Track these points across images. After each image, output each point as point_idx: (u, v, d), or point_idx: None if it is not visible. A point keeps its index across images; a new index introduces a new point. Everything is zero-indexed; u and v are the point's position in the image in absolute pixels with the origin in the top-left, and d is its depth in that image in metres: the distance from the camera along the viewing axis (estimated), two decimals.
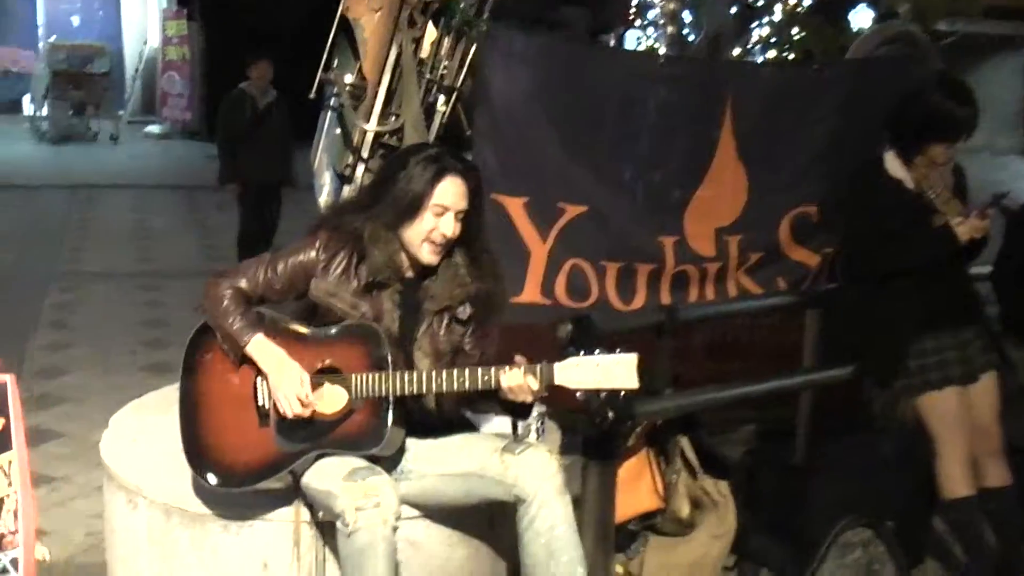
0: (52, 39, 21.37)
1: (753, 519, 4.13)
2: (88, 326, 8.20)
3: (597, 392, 3.06)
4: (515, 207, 4.32)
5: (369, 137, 4.13)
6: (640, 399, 3.48)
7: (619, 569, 3.99)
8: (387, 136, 4.13)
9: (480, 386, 3.12)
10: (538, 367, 3.08)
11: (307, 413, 3.19)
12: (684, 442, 3.98)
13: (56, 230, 11.96)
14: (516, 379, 3.07)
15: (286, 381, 3.19)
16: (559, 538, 3.14)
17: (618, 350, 3.03)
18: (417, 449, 3.37)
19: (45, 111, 20.24)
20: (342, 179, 4.27)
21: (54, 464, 5.47)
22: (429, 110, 4.25)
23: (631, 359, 3.00)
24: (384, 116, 4.10)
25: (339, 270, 3.28)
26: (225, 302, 3.26)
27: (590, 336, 3.59)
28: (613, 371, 3.01)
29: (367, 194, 3.41)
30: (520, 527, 3.19)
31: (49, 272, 9.91)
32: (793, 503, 4.13)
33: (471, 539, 3.51)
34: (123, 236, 11.92)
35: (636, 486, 3.95)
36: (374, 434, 3.16)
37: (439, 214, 3.22)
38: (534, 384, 3.07)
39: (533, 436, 3.87)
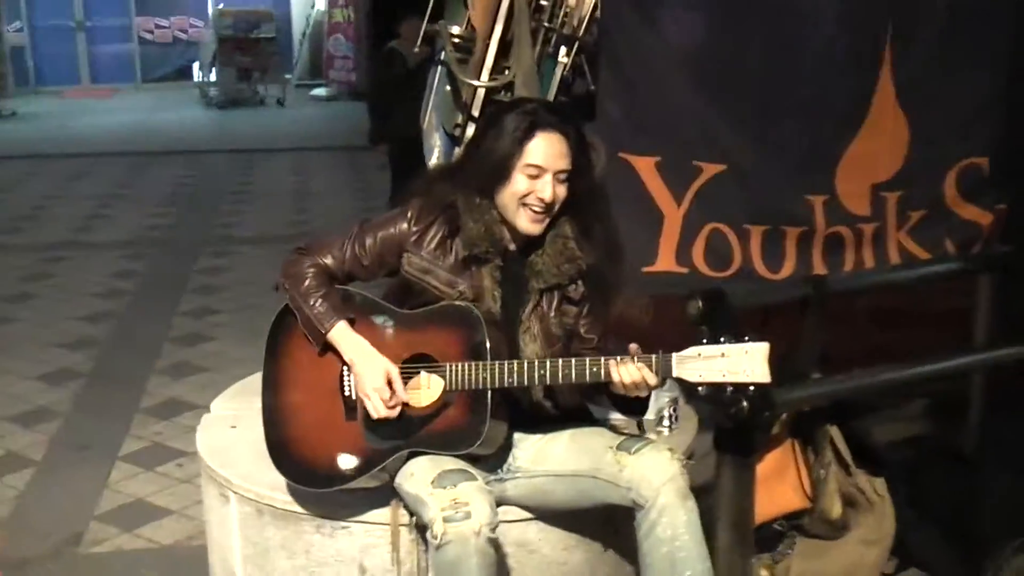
0: (220, 6, 21.64)
1: (917, 519, 3.64)
2: (235, 292, 8.09)
3: (723, 387, 2.64)
4: (646, 167, 3.88)
5: (480, 94, 3.76)
6: (782, 386, 3.04)
7: (763, 573, 3.57)
8: (500, 92, 3.74)
9: (588, 378, 2.74)
10: (653, 358, 2.68)
11: (394, 414, 2.87)
12: (835, 432, 3.51)
13: (214, 194, 12.03)
14: (629, 373, 2.68)
15: (371, 376, 2.86)
16: (683, 548, 2.76)
17: (747, 338, 2.61)
18: (525, 445, 3.02)
19: (213, 77, 20.64)
20: (453, 140, 3.92)
21: (184, 438, 5.29)
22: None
23: (761, 349, 2.58)
24: (496, 70, 3.71)
25: (433, 244, 2.93)
26: (307, 281, 2.95)
27: (724, 313, 3.16)
28: (741, 362, 2.59)
29: (460, 158, 3.08)
30: (639, 535, 2.82)
31: (203, 236, 9.95)
32: (964, 500, 3.62)
33: (590, 541, 3.15)
34: (280, 199, 11.86)
35: (779, 482, 3.51)
36: (470, 431, 2.82)
37: (534, 176, 2.84)
38: (650, 378, 2.67)
39: (665, 425, 3.47)
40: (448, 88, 3.93)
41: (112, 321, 7.41)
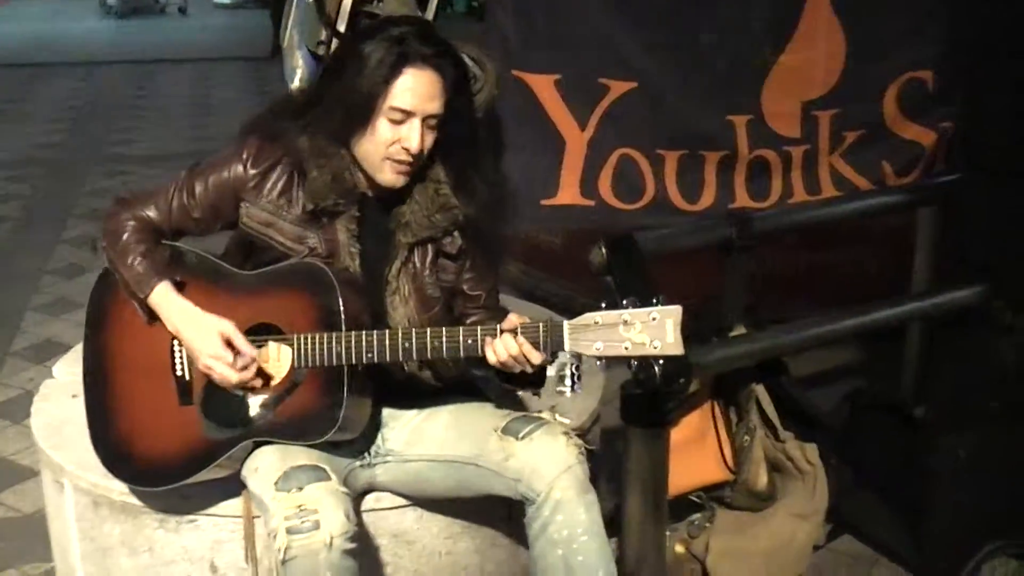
0: None
1: (853, 482, 3.26)
2: None
3: (626, 360, 2.20)
4: (544, 86, 3.48)
5: (346, 5, 3.23)
6: (701, 345, 2.62)
7: (678, 548, 3.18)
8: (373, 3, 3.22)
9: (462, 352, 2.27)
10: (540, 327, 2.22)
11: (249, 376, 2.37)
12: (761, 392, 3.11)
13: (108, 109, 11.31)
14: (507, 348, 2.22)
15: (204, 342, 2.37)
16: (581, 551, 2.33)
17: (655, 300, 2.15)
18: (397, 424, 2.58)
19: None
20: (317, 59, 3.40)
21: None
22: None
23: (672, 314, 2.14)
24: None
25: (276, 191, 2.44)
26: (125, 236, 2.45)
27: (632, 263, 2.71)
28: (647, 331, 2.14)
29: (312, 91, 2.52)
30: (530, 533, 2.39)
31: (93, 155, 9.29)
32: (903, 460, 3.23)
33: (477, 528, 2.72)
34: (178, 114, 11.17)
35: (697, 451, 3.13)
36: (323, 417, 2.34)
37: (399, 121, 2.34)
38: (533, 355, 2.22)
39: (567, 386, 3.03)
40: (310, 0, 3.38)
41: None
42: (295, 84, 3.60)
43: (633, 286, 2.50)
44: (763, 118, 3.64)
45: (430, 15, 3.28)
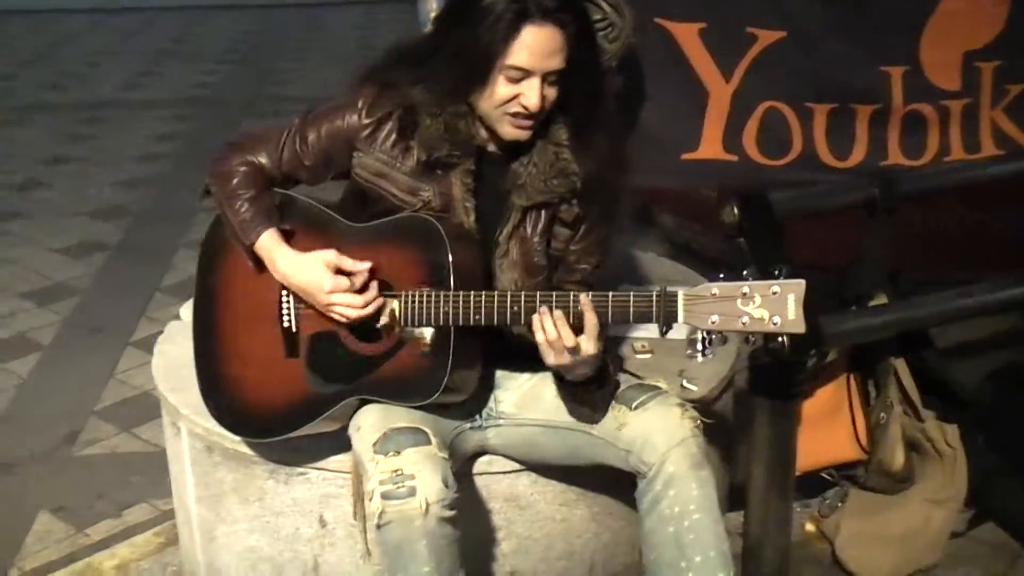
0: None
1: (998, 466, 3.04)
2: None
3: (745, 336, 2.06)
4: (687, 35, 3.27)
5: None
6: (837, 314, 2.45)
7: (809, 526, 3.03)
8: None
9: (571, 319, 2.15)
10: (653, 296, 2.09)
11: (375, 305, 2.29)
12: (901, 366, 2.91)
13: (272, 50, 11.55)
14: (546, 327, 2.15)
15: (316, 280, 2.30)
16: (692, 529, 2.23)
17: (777, 272, 2.01)
18: (510, 386, 2.50)
19: None
20: None
21: None
22: None
23: (795, 289, 1.99)
24: None
25: (390, 141, 2.36)
26: (234, 181, 2.40)
27: (766, 223, 2.56)
28: (768, 305, 2.00)
29: (428, 40, 2.40)
30: (641, 507, 2.30)
31: (252, 95, 9.46)
32: None
33: (594, 495, 2.65)
34: (342, 57, 11.18)
35: (830, 426, 2.95)
36: (428, 379, 2.27)
37: (517, 79, 2.21)
38: (584, 343, 2.13)
39: (698, 350, 2.90)
40: None
41: (147, 188, 7.00)
42: (429, 28, 3.45)
43: (764, 249, 2.34)
44: (920, 69, 3.36)
45: None
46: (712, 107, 3.35)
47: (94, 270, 5.66)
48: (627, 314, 2.12)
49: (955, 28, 3.33)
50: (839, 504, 3.05)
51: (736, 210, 2.60)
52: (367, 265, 2.29)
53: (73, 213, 6.52)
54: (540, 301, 2.15)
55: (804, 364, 2.53)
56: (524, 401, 2.45)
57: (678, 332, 2.90)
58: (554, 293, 2.17)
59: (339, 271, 2.30)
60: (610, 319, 2.15)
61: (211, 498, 2.77)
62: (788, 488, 2.72)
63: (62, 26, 12.96)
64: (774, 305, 1.99)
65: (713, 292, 2.03)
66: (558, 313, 2.12)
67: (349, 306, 2.29)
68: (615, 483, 2.56)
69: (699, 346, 2.91)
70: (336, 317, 2.32)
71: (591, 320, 2.11)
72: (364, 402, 2.36)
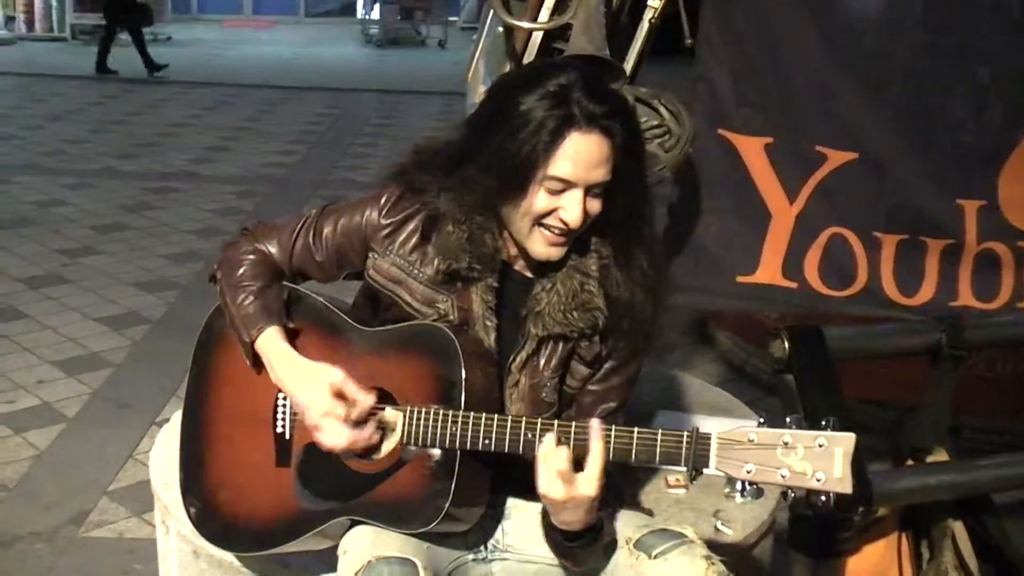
0: None
1: None
2: None
3: (783, 490, 1.82)
4: (753, 150, 3.13)
5: (536, 39, 2.90)
6: (890, 471, 2.20)
7: None
8: (566, 39, 2.89)
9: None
10: (684, 438, 1.86)
11: (365, 437, 2.09)
12: (958, 529, 2.64)
13: (348, 134, 11.50)
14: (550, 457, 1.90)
15: (313, 396, 2.10)
16: None
17: (824, 423, 1.77)
18: (520, 517, 2.26)
19: (376, 14, 20.24)
20: None
21: None
22: (637, 6, 2.97)
23: (844, 443, 1.76)
24: (560, 10, 2.84)
25: (410, 245, 2.17)
26: (240, 270, 2.23)
27: (819, 361, 2.32)
28: (812, 459, 1.77)
29: (462, 143, 2.15)
30: None
31: (322, 178, 9.42)
32: None
33: None
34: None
35: None
36: (427, 505, 2.04)
37: (557, 191, 2.01)
38: (572, 486, 1.91)
39: (738, 489, 2.64)
40: (500, 29, 3.08)
41: (199, 263, 6.89)
42: None
43: (815, 390, 2.10)
44: (997, 206, 3.17)
45: (630, 64, 2.90)
46: (774, 229, 3.18)
47: (131, 343, 5.56)
48: (653, 454, 1.90)
49: None
50: None
51: (787, 344, 2.36)
52: (371, 401, 2.09)
53: (121, 283, 6.46)
54: (558, 430, 1.93)
55: (851, 520, 2.27)
56: (536, 534, 2.20)
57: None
58: (573, 424, 1.94)
59: (340, 395, 2.10)
60: (634, 458, 1.93)
61: None
62: None
63: (140, 96, 13.12)
64: (819, 460, 1.76)
65: (751, 438, 1.80)
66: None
67: (336, 436, 2.09)
68: None
69: (738, 485, 2.65)
70: (319, 441, 2.11)
71: (596, 451, 1.89)
72: (357, 521, 2.14)
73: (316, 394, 2.09)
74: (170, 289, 6.36)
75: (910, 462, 2.66)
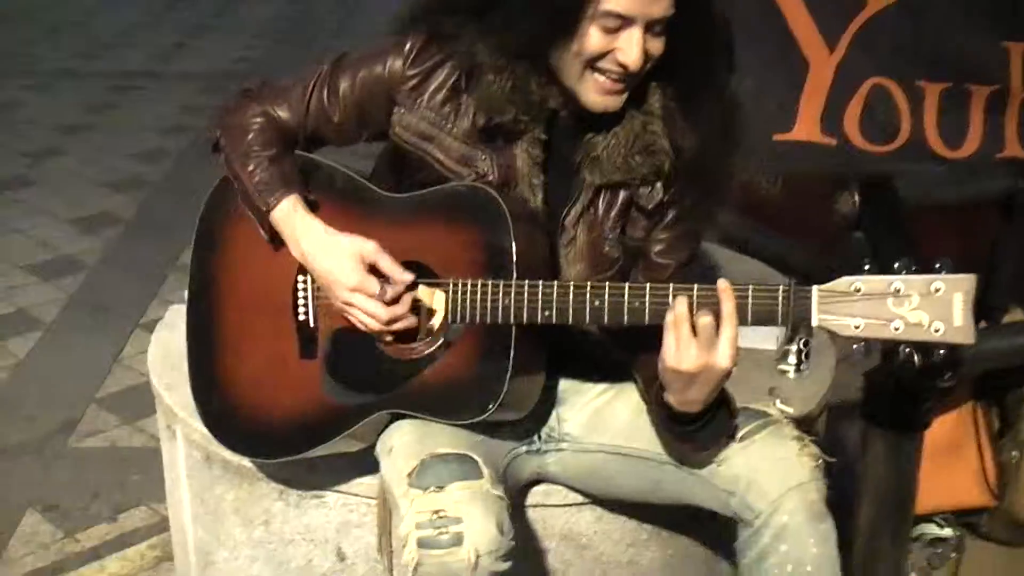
0: None
1: None
2: None
3: (895, 345, 1.60)
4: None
5: None
6: None
7: None
8: None
9: (626, 318, 1.71)
10: (780, 292, 1.63)
11: (401, 314, 1.87)
12: None
13: (313, 28, 11.29)
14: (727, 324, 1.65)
15: (340, 272, 1.87)
16: None
17: (938, 265, 1.56)
18: (577, 402, 2.05)
19: None
20: None
21: None
22: None
23: (963, 286, 1.55)
24: None
25: (439, 97, 1.90)
26: (249, 136, 1.97)
27: (893, 216, 2.10)
28: (927, 307, 1.56)
29: None
30: (742, 560, 1.87)
31: (285, 73, 9.04)
32: None
33: (671, 536, 2.20)
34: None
35: (953, 463, 2.55)
36: (481, 389, 1.82)
37: (613, 29, 1.75)
38: (770, 340, 1.66)
39: (791, 363, 2.45)
40: None
41: (167, 161, 6.72)
42: None
43: (891, 246, 1.89)
44: None
45: None
46: (812, 82, 2.93)
47: (105, 245, 5.40)
48: (744, 313, 1.67)
49: None
50: (952, 555, 2.61)
51: (856, 198, 2.15)
52: (410, 277, 1.86)
53: (88, 183, 6.27)
54: (629, 293, 1.70)
55: (933, 390, 2.08)
56: (593, 421, 2.00)
57: (766, 341, 2.48)
58: (648, 284, 1.71)
59: (373, 269, 1.86)
60: None
61: (209, 517, 2.35)
62: (903, 535, 2.32)
63: None
64: (936, 307, 1.56)
65: (857, 287, 1.58)
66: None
67: (371, 313, 1.86)
68: (694, 521, 2.13)
69: (792, 359, 2.46)
70: (353, 319, 1.89)
71: (728, 313, 1.66)
72: (396, 416, 1.92)
73: (345, 267, 1.86)
74: (138, 188, 6.19)
75: (983, 324, 2.48)
